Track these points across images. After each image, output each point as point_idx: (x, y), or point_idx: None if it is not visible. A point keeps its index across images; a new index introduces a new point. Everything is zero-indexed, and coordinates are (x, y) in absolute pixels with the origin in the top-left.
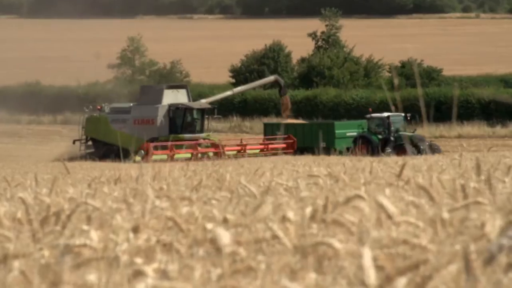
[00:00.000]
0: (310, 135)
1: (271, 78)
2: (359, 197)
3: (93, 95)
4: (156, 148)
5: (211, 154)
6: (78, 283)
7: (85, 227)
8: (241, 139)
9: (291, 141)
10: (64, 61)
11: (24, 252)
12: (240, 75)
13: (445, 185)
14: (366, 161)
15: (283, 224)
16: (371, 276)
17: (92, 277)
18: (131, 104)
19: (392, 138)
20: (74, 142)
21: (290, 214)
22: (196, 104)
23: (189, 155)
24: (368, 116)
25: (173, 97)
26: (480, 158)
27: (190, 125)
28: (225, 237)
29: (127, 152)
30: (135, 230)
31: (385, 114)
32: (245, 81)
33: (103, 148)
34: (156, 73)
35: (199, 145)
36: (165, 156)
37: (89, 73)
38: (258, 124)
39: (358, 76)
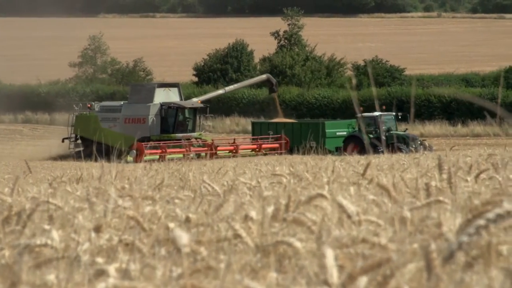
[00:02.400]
0: (299, 134)
1: (263, 76)
2: (322, 196)
3: (54, 94)
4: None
5: (203, 154)
6: (38, 283)
7: (46, 227)
8: (234, 139)
9: (284, 141)
10: (25, 60)
11: None
12: (204, 74)
13: (408, 184)
14: (329, 160)
15: (245, 223)
16: (334, 275)
17: (52, 277)
18: (122, 103)
19: (383, 137)
20: (63, 140)
21: (252, 213)
22: (188, 103)
23: (181, 155)
24: (358, 115)
25: (165, 95)
26: (442, 157)
27: (182, 124)
28: (183, 237)
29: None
30: (97, 229)
31: (376, 113)
32: (208, 80)
33: (92, 146)
34: (118, 71)
35: (191, 144)
36: (157, 156)
37: (50, 72)
38: (219, 123)
39: (320, 75)
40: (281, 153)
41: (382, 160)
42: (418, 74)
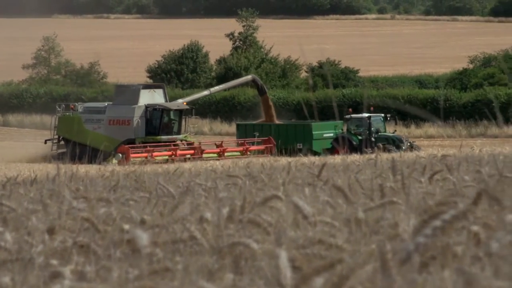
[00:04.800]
0: (285, 136)
1: (248, 77)
2: (277, 197)
3: (7, 95)
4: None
5: (189, 156)
6: None
7: None
8: (222, 142)
9: (270, 143)
10: None
11: None
12: (157, 75)
13: (362, 185)
14: (284, 161)
15: (201, 224)
16: (287, 276)
17: (7, 279)
18: (106, 104)
19: (372, 139)
20: (45, 142)
21: (208, 215)
22: (173, 105)
23: (166, 158)
24: (347, 116)
25: (150, 97)
26: (396, 158)
27: (167, 126)
28: (143, 238)
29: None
30: (51, 231)
31: (365, 114)
32: (162, 81)
33: (76, 148)
34: (72, 73)
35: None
36: (142, 159)
37: (3, 73)
38: None
39: (275, 77)
40: (268, 155)
41: (338, 161)
42: (372, 75)
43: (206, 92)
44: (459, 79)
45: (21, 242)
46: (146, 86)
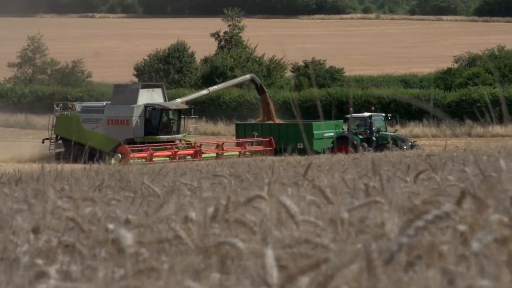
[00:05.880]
0: (286, 136)
1: (247, 76)
2: (261, 197)
3: None
4: (133, 150)
5: (188, 156)
6: None
7: None
8: (217, 141)
9: (268, 141)
10: None
11: None
12: (144, 74)
13: (348, 184)
14: (270, 161)
15: (186, 224)
16: (274, 275)
17: None
18: (104, 103)
19: (374, 138)
20: (43, 141)
21: (192, 214)
22: (173, 105)
23: (167, 159)
24: (348, 116)
25: (149, 96)
26: (382, 158)
27: (166, 126)
28: (128, 237)
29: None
30: (36, 231)
31: (366, 114)
32: (150, 80)
33: (74, 148)
34: (57, 72)
35: (177, 147)
36: (143, 160)
37: None
38: None
39: (260, 76)
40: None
41: (323, 161)
42: (357, 75)
43: (204, 92)
44: (444, 79)
45: (6, 242)
46: (145, 86)
